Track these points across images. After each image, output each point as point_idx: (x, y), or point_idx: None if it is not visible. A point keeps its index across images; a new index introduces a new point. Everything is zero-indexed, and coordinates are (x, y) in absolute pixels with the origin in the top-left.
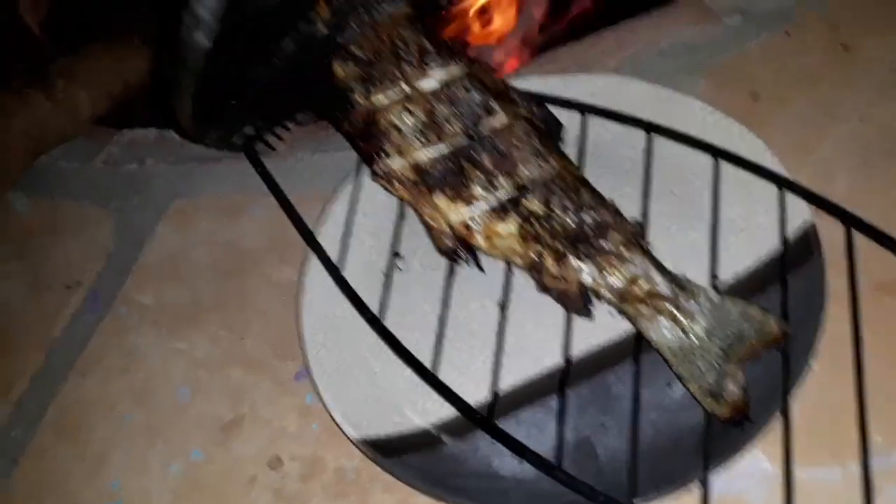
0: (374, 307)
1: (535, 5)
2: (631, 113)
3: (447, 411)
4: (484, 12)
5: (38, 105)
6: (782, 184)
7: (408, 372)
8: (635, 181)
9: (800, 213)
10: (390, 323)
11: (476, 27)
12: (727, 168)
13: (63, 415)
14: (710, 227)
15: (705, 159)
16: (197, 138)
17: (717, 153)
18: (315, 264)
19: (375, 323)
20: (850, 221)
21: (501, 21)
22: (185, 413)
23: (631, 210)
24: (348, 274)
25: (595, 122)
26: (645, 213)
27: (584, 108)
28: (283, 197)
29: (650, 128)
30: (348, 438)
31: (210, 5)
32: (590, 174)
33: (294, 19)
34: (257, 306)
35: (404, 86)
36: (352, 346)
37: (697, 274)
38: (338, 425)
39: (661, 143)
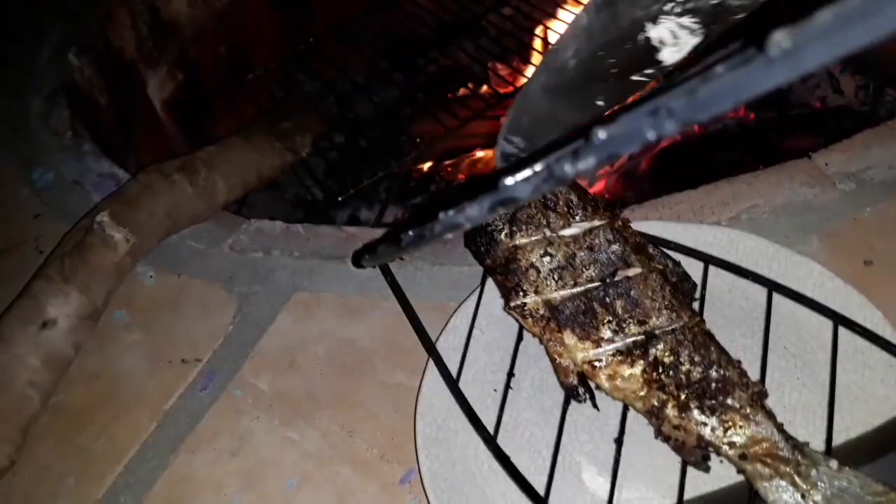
0: (486, 423)
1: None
2: (749, 267)
3: None
4: None
5: (182, 190)
6: None
7: (516, 495)
8: (750, 334)
9: None
10: (501, 442)
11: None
12: (843, 335)
13: (171, 489)
14: (829, 389)
15: (820, 321)
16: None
17: (838, 319)
18: (433, 373)
19: (491, 443)
20: None
21: None
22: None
23: (746, 365)
24: (463, 387)
25: (712, 273)
26: (763, 373)
27: (707, 259)
28: (408, 304)
29: (773, 286)
30: None
31: (473, 220)
32: (707, 322)
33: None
34: (369, 407)
35: (548, 232)
36: (464, 461)
37: (807, 434)
38: None
39: (777, 300)
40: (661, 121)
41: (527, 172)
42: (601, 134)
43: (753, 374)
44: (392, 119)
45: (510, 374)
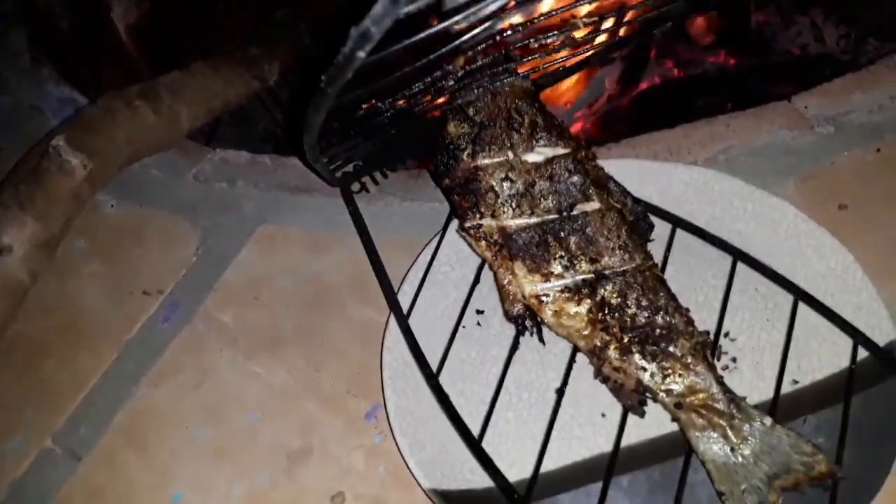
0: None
1: (607, 76)
2: (723, 209)
3: (516, 474)
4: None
5: (144, 116)
6: (858, 339)
7: (507, 432)
8: (722, 275)
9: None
10: (459, 377)
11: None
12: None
13: (132, 421)
14: (782, 354)
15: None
16: (311, 157)
17: (800, 294)
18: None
19: (431, 379)
20: None
21: (571, 85)
22: (254, 438)
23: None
24: (428, 325)
25: (690, 213)
26: (718, 332)
27: (676, 222)
28: (368, 237)
29: (738, 255)
30: (419, 486)
31: (380, 22)
32: (673, 270)
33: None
34: (335, 343)
35: (510, 154)
36: (430, 396)
37: (772, 374)
38: (410, 472)
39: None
40: None
41: None
42: None
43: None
44: None
45: (462, 310)
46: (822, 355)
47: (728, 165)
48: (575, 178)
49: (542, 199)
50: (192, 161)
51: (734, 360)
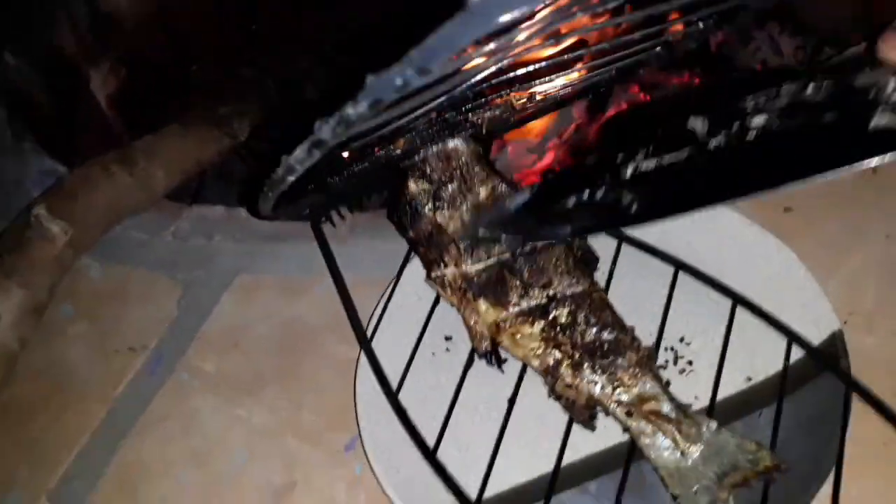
0: (413, 384)
1: (575, 105)
2: (671, 221)
3: (491, 492)
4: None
5: (122, 181)
6: (792, 338)
7: (454, 451)
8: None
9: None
10: (431, 403)
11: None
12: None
13: (123, 472)
14: (718, 361)
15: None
16: (271, 219)
17: (737, 300)
18: (375, 344)
19: (391, 396)
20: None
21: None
22: (240, 477)
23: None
24: (399, 352)
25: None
26: (659, 342)
27: (622, 237)
28: (335, 267)
29: (679, 266)
30: None
31: (303, 163)
32: (627, 283)
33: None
34: (314, 381)
35: (465, 211)
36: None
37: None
38: (388, 497)
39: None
40: (405, 69)
41: (328, 120)
42: (369, 80)
43: (672, 322)
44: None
45: (419, 339)
46: (773, 352)
47: None
48: None
49: (497, 243)
50: (171, 219)
51: (690, 363)
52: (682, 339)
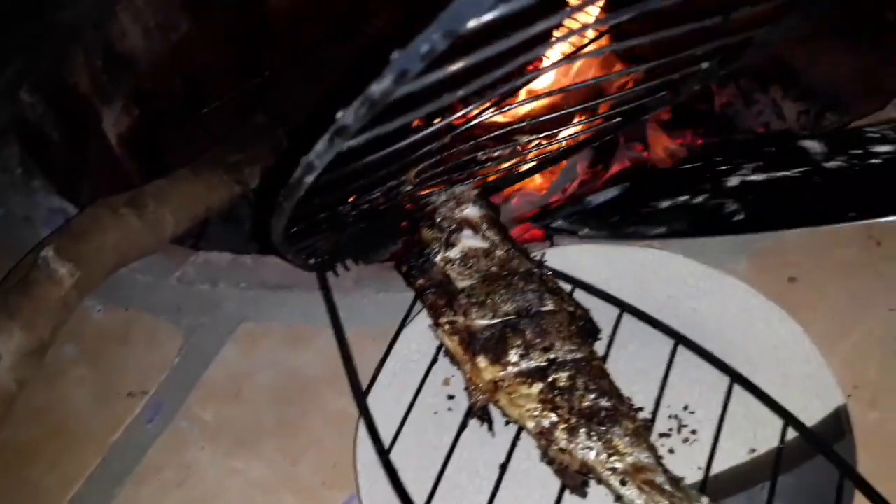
0: (414, 443)
1: (578, 161)
2: (678, 288)
3: None
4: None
5: (130, 224)
6: (788, 420)
7: None
8: (680, 351)
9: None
10: (431, 464)
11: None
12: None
13: None
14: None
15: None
16: (282, 252)
17: (734, 377)
18: (373, 398)
19: (383, 455)
20: (846, 471)
21: (544, 172)
22: None
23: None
24: (401, 410)
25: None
26: (655, 414)
27: (624, 307)
28: (336, 318)
29: (679, 339)
30: None
31: (322, 157)
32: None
33: (387, 180)
34: (314, 435)
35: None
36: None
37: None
38: None
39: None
40: (431, 34)
41: (351, 105)
42: (395, 55)
43: (677, 391)
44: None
45: (414, 397)
46: (775, 425)
47: (682, 245)
48: (532, 286)
49: (504, 304)
50: (176, 264)
51: (694, 431)
52: (685, 408)
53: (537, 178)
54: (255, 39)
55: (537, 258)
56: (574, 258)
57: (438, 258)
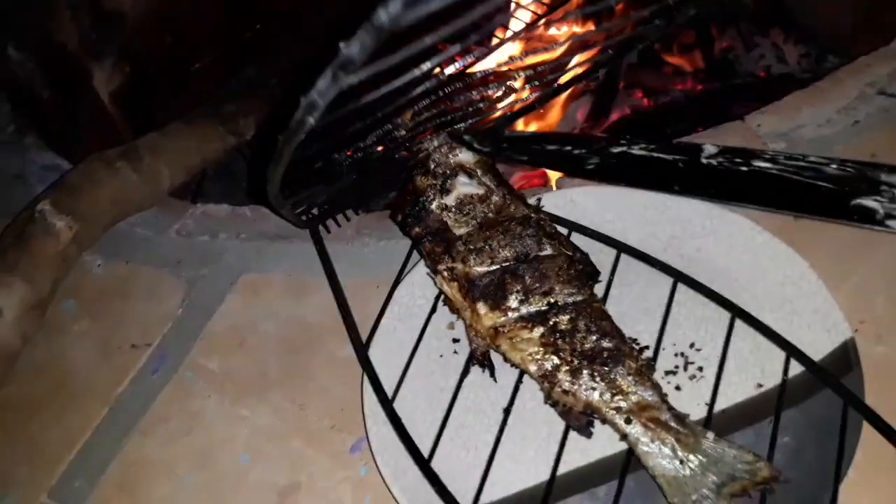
0: (422, 386)
1: (578, 109)
2: (683, 227)
3: (497, 495)
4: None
5: (126, 177)
6: (791, 352)
7: (461, 452)
8: (683, 289)
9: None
10: (438, 405)
11: (519, 123)
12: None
13: (125, 472)
14: (716, 374)
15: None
16: (277, 205)
17: (735, 311)
18: (379, 343)
19: (386, 405)
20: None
21: (544, 121)
22: (245, 479)
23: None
24: (405, 354)
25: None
26: (657, 351)
27: (621, 247)
28: (332, 271)
29: (678, 276)
30: None
31: (325, 95)
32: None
33: (383, 122)
34: (319, 381)
35: (472, 217)
36: (412, 425)
37: (739, 380)
38: (395, 499)
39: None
40: None
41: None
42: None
43: (682, 328)
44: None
45: (416, 345)
46: (782, 359)
47: None
48: (530, 231)
49: (501, 250)
50: (175, 217)
51: (700, 369)
52: (692, 345)
53: (536, 127)
54: None
55: (534, 202)
56: (578, 200)
57: (434, 205)
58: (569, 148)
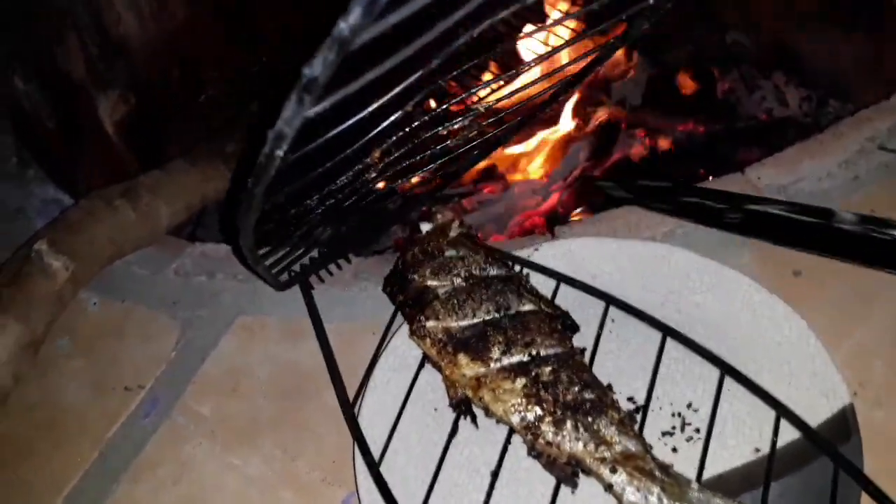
0: (416, 441)
1: (581, 149)
2: (680, 282)
3: None
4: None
5: (125, 215)
6: (782, 414)
7: None
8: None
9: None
10: (422, 455)
11: (522, 163)
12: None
13: None
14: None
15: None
16: (252, 262)
17: (726, 369)
18: (372, 395)
19: (372, 468)
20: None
21: (546, 159)
22: None
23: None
24: (396, 408)
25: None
26: (647, 405)
27: (609, 300)
28: (318, 321)
29: (666, 331)
30: None
31: (291, 123)
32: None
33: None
34: (312, 429)
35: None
36: (404, 483)
37: (735, 443)
38: None
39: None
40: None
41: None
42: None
43: (680, 388)
44: None
45: (404, 403)
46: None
47: (685, 239)
48: (511, 287)
49: (483, 304)
50: (173, 256)
51: (697, 430)
52: (689, 405)
53: (538, 167)
54: (251, 25)
55: (531, 251)
56: (575, 251)
57: (417, 275)
58: (710, 202)
